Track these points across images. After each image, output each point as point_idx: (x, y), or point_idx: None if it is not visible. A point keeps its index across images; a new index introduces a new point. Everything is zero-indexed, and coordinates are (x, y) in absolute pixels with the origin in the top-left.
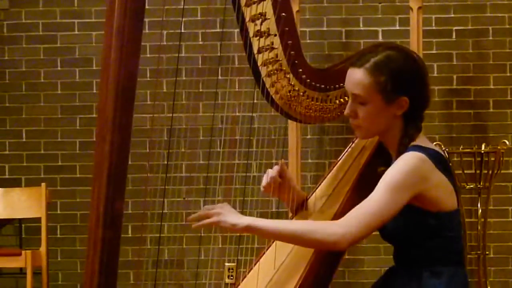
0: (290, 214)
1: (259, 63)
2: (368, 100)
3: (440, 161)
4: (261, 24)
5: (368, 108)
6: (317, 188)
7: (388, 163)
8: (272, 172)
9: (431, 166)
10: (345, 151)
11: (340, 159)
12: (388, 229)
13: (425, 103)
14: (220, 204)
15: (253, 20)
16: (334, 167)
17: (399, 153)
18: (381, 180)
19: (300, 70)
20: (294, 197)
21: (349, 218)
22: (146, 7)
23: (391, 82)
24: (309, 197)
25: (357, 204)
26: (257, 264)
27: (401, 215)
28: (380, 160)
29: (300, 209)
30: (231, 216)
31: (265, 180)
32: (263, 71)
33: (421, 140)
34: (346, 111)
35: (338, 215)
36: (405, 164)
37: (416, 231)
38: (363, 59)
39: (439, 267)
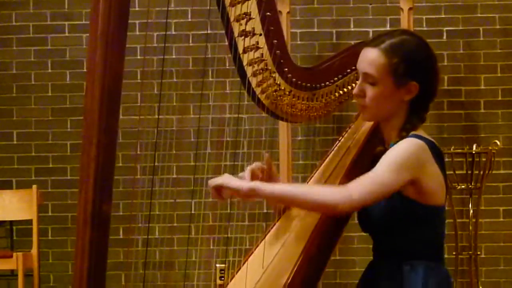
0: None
1: (244, 63)
2: (379, 81)
3: (437, 154)
4: (246, 23)
5: (377, 89)
6: (310, 178)
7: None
8: (253, 165)
9: (429, 155)
10: (338, 140)
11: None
12: (373, 217)
13: (433, 92)
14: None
15: (237, 20)
16: (326, 158)
17: (400, 138)
18: (383, 157)
19: (286, 69)
20: None
21: (353, 183)
22: (136, 9)
23: (404, 65)
24: None
25: None
26: (245, 264)
27: (389, 203)
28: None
29: (287, 209)
30: (234, 180)
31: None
32: (249, 71)
33: (421, 132)
34: (355, 91)
35: None
36: (408, 146)
37: (401, 220)
38: (379, 40)
39: (418, 260)
